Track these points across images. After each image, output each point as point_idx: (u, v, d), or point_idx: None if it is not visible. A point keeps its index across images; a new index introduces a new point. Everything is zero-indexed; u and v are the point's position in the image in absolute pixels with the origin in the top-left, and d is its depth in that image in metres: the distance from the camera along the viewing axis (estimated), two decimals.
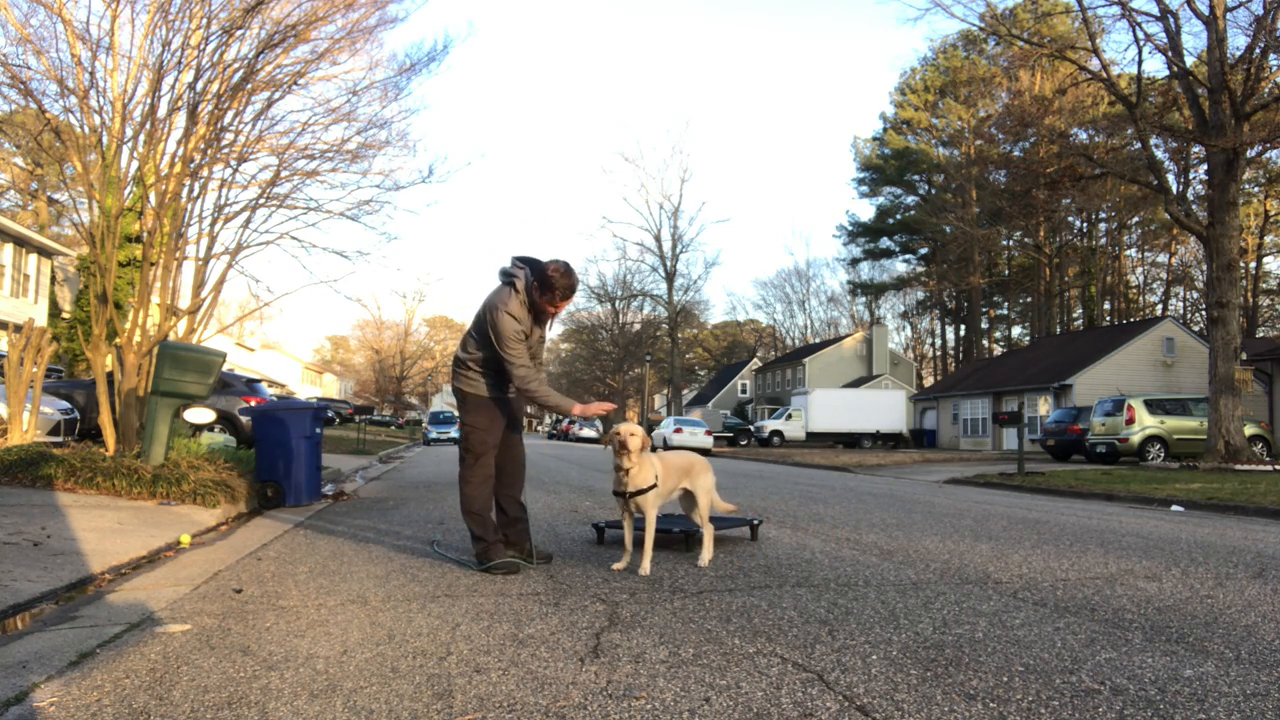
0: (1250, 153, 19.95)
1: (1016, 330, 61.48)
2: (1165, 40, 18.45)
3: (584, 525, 6.68)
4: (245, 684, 2.54)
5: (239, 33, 9.54)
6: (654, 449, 4.64)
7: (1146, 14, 18.60)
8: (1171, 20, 18.39)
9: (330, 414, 13.59)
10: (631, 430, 4.40)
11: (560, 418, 71.93)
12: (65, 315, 26.10)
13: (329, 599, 3.78)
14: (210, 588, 4.03)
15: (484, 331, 4.44)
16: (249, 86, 9.97)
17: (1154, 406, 21.35)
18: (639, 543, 4.49)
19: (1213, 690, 2.55)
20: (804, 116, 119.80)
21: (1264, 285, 47.13)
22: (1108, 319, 49.80)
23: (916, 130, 59.18)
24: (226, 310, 42.14)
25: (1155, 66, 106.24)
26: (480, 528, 4.54)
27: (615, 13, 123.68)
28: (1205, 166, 21.60)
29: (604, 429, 63.16)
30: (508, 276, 4.47)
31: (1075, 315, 53.17)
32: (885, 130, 62.04)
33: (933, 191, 58.69)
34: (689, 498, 4.86)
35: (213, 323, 10.47)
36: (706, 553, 4.69)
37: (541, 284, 4.32)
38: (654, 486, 4.45)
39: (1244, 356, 19.61)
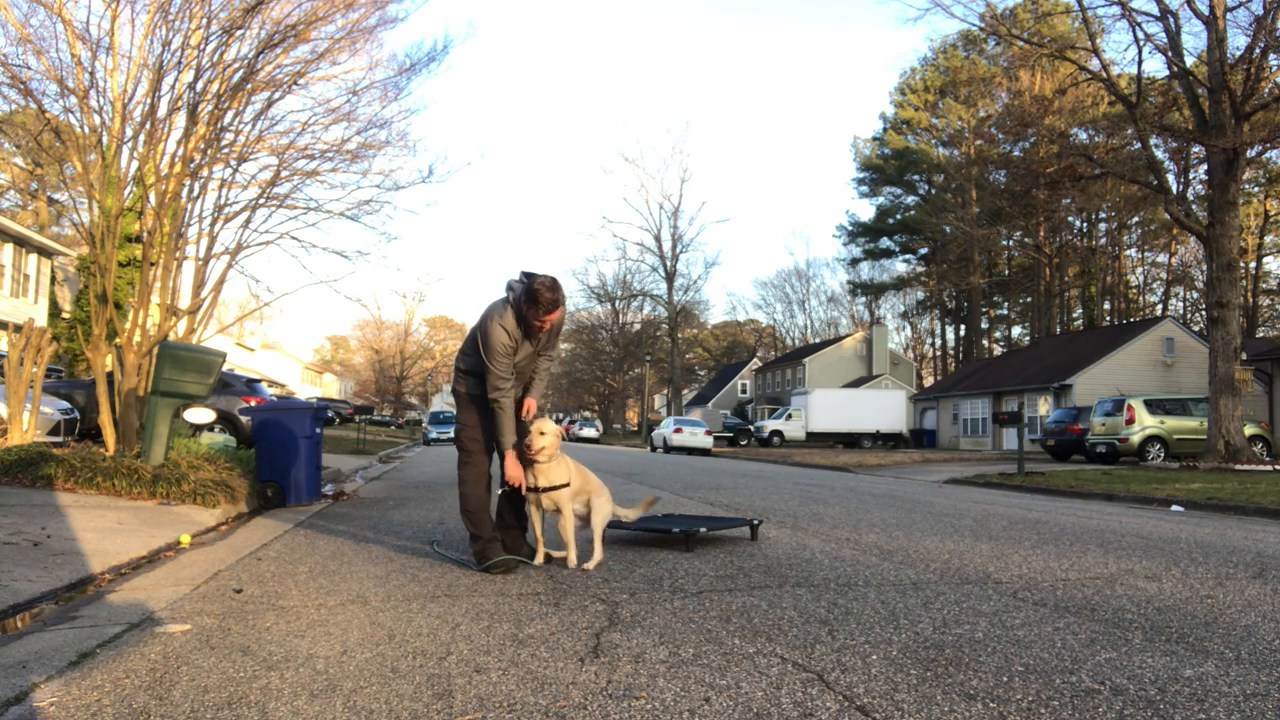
0: (1250, 153, 19.96)
1: (1016, 330, 61.50)
2: (1165, 40, 18.46)
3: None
4: (245, 684, 2.54)
5: (239, 33, 9.54)
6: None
7: (1146, 14, 18.63)
8: (1171, 20, 18.40)
9: (330, 414, 13.60)
10: (542, 429, 4.37)
11: (561, 418, 71.96)
12: (65, 315, 26.08)
13: (329, 599, 3.78)
14: (210, 588, 4.03)
15: (478, 344, 4.50)
16: (249, 86, 9.97)
17: (1154, 406, 21.34)
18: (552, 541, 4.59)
19: (1213, 690, 2.54)
20: (804, 116, 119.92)
21: (1264, 285, 47.13)
22: (1108, 319, 49.80)
23: (916, 130, 59.17)
24: (226, 310, 42.16)
25: (1155, 66, 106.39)
26: (476, 526, 4.57)
27: (615, 13, 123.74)
28: (1205, 166, 21.60)
29: (604, 429, 63.30)
30: (507, 290, 4.53)
31: (1075, 315, 53.17)
32: (885, 130, 62.05)
33: (933, 191, 58.68)
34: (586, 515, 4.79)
35: (213, 323, 10.47)
36: (594, 559, 4.61)
37: (528, 298, 4.35)
38: (567, 484, 4.48)
39: (1244, 356, 19.61)
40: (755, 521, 5.87)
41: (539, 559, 4.61)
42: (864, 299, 70.93)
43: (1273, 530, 7.28)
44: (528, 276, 4.48)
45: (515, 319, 4.41)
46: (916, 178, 61.25)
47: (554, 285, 4.36)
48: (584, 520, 4.76)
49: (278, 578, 4.30)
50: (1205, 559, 5.26)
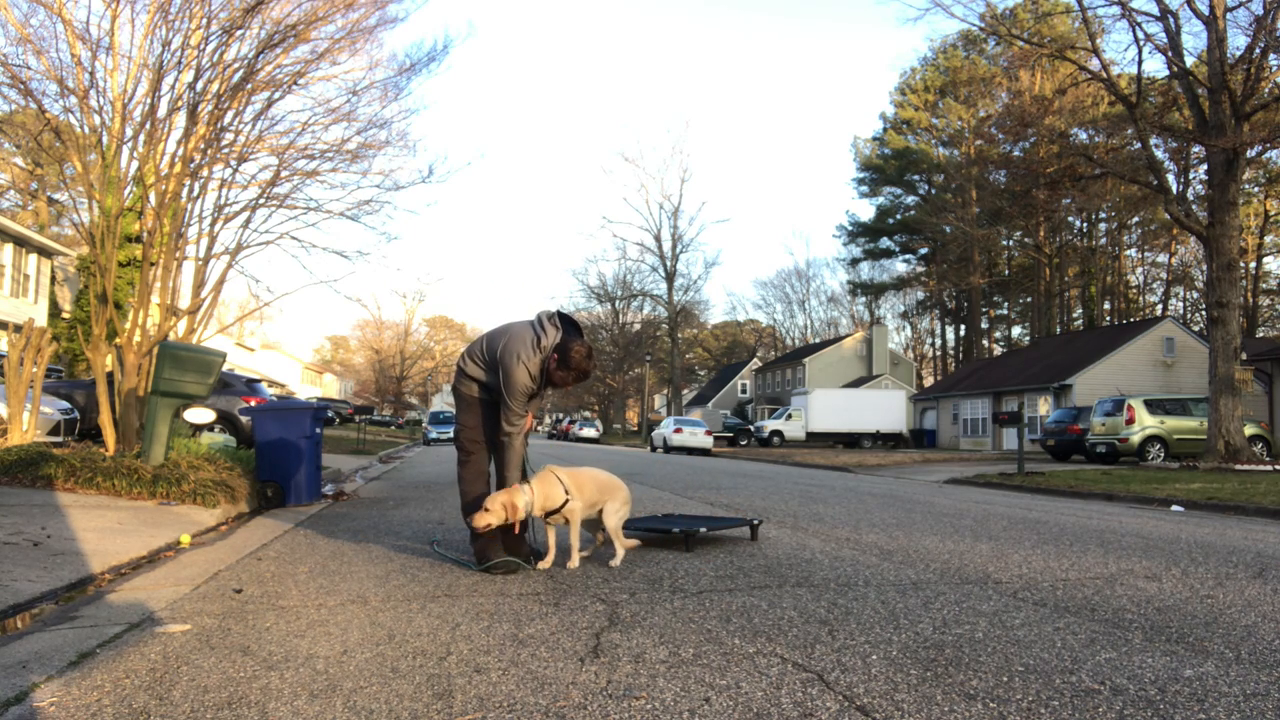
0: (1250, 153, 19.96)
1: (1016, 330, 61.48)
2: (1165, 40, 18.45)
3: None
4: (245, 684, 2.54)
5: (239, 33, 9.54)
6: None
7: (1146, 14, 18.62)
8: (1171, 20, 18.39)
9: (330, 414, 13.60)
10: (488, 506, 4.31)
11: (561, 417, 71.97)
12: (65, 315, 26.08)
13: (329, 599, 3.78)
14: (210, 588, 4.03)
15: (494, 364, 4.51)
16: (249, 86, 9.97)
17: (1154, 406, 21.34)
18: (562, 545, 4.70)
19: (1213, 690, 2.54)
20: (804, 116, 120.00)
21: (1264, 285, 47.12)
22: (1108, 319, 49.79)
23: (916, 130, 59.16)
24: (226, 310, 42.17)
25: (1155, 66, 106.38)
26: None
27: (615, 13, 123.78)
28: (1205, 166, 21.60)
29: (604, 429, 63.27)
30: (539, 328, 4.46)
31: (1075, 315, 53.16)
32: (885, 130, 62.03)
33: (933, 191, 58.67)
34: (598, 519, 4.80)
35: (213, 323, 10.47)
36: (617, 558, 4.69)
37: (562, 358, 4.37)
38: (567, 502, 4.48)
39: (1244, 356, 19.61)
40: (755, 521, 5.87)
41: (545, 564, 4.60)
42: (864, 299, 70.99)
43: (1273, 530, 7.28)
44: (564, 323, 4.47)
45: (539, 365, 4.41)
46: (916, 178, 61.23)
47: (590, 354, 4.42)
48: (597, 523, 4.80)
49: (278, 578, 4.30)
50: (1205, 559, 5.26)
